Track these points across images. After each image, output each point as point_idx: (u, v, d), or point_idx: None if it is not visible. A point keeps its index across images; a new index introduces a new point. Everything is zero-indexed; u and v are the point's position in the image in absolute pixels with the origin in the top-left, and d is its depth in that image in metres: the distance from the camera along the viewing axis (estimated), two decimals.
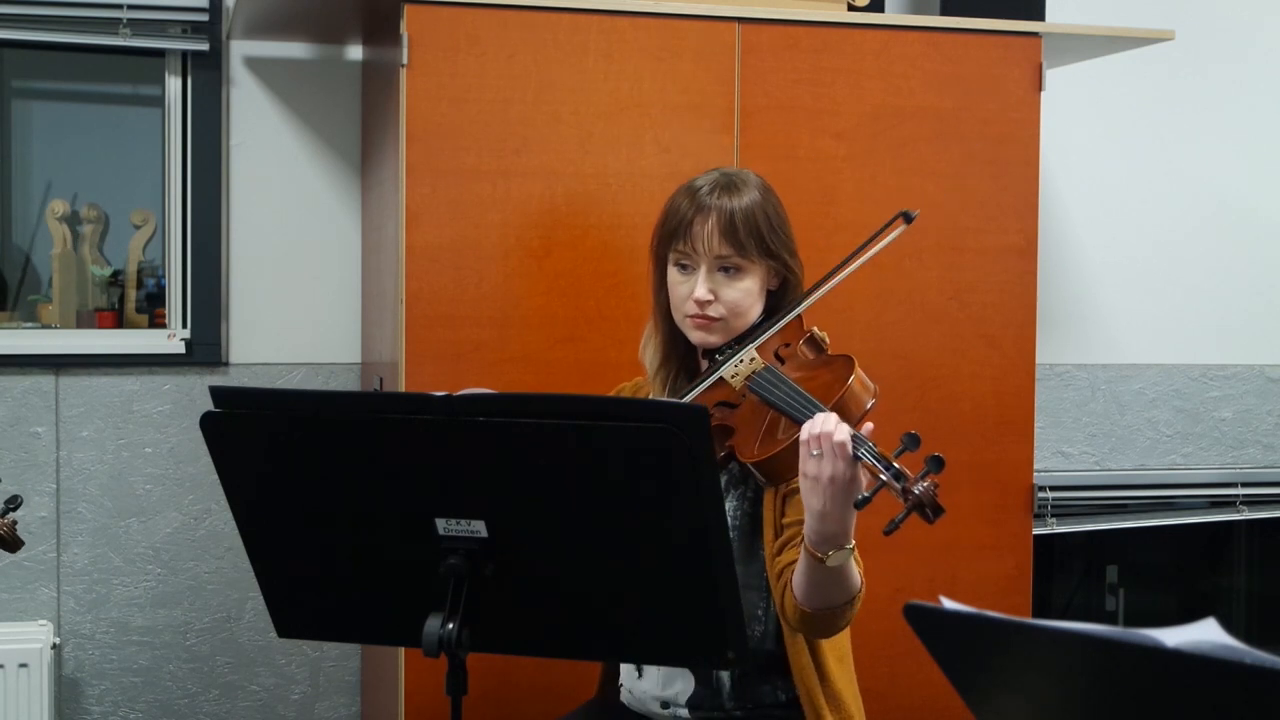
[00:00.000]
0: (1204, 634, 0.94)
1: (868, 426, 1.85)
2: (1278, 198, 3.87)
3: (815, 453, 1.81)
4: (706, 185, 2.12)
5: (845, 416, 1.87)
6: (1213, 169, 3.82)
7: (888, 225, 2.15)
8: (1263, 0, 3.85)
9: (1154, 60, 3.58)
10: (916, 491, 1.75)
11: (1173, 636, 0.94)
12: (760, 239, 2.10)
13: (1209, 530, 3.92)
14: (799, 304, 2.12)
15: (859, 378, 1.95)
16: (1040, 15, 3.19)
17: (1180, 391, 3.82)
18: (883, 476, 1.78)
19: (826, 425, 1.82)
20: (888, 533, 1.74)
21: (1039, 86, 2.99)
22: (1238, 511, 3.82)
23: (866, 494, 1.80)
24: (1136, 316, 3.78)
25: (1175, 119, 3.79)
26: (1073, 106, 3.62)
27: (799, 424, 1.88)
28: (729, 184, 2.12)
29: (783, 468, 1.93)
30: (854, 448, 1.80)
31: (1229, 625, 0.94)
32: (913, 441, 1.78)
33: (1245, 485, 3.81)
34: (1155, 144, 3.78)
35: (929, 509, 1.75)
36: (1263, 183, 3.85)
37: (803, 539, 1.91)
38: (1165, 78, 3.74)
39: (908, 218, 2.14)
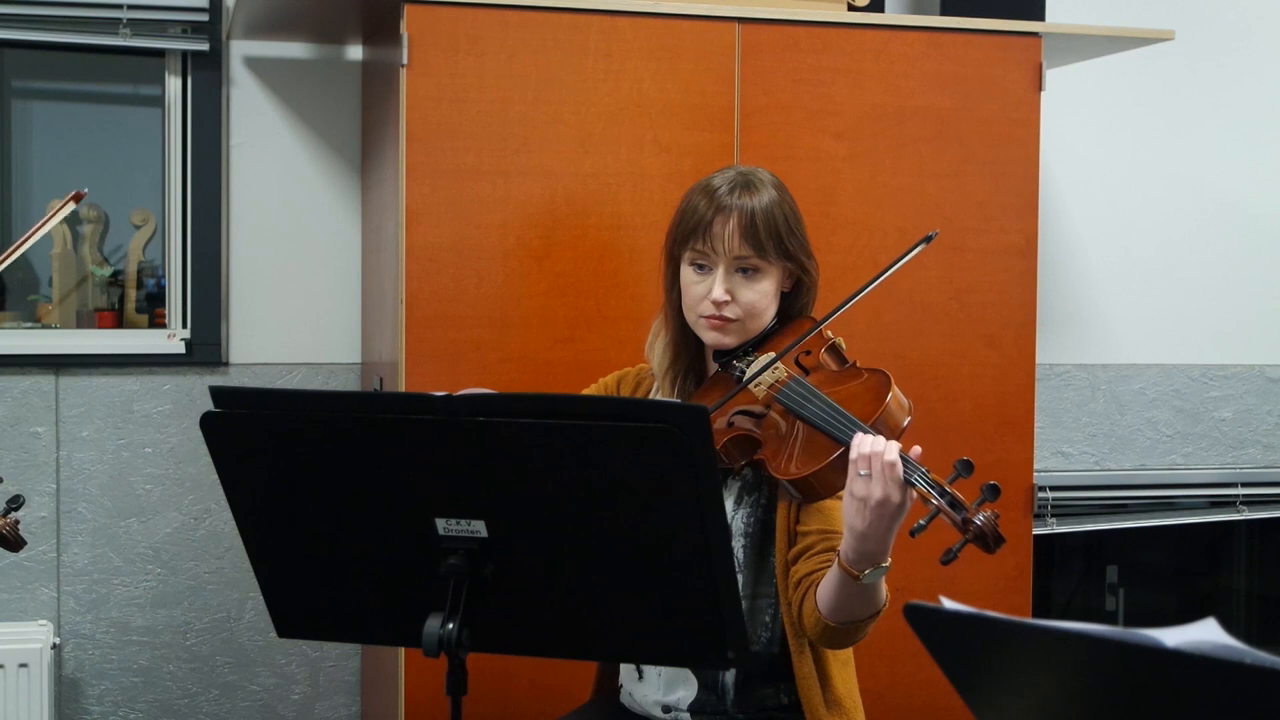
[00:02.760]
0: (1204, 634, 0.94)
1: (916, 450, 1.81)
2: (1278, 197, 3.87)
3: (864, 473, 1.78)
4: (725, 185, 2.10)
5: (883, 434, 1.84)
6: (1213, 169, 3.82)
7: (911, 248, 2.06)
8: (1262, 0, 3.85)
9: (1154, 60, 3.58)
10: (978, 522, 1.72)
11: (1173, 636, 0.94)
12: (779, 240, 2.08)
13: (1209, 530, 3.92)
14: (824, 320, 2.06)
15: (896, 395, 1.91)
16: (1040, 15, 3.19)
17: (1180, 391, 3.82)
18: (934, 502, 1.74)
19: (876, 445, 1.78)
20: (945, 563, 1.71)
21: (1039, 86, 2.99)
22: (1238, 511, 3.82)
23: (922, 522, 1.76)
24: (1136, 316, 3.78)
25: (1175, 119, 3.79)
26: (1073, 106, 3.62)
27: (839, 442, 1.85)
28: (747, 183, 2.10)
29: (821, 486, 1.89)
30: (906, 473, 1.77)
31: (1229, 625, 0.94)
32: (966, 468, 1.75)
33: (1245, 485, 3.81)
34: (1155, 144, 3.78)
35: (990, 539, 1.72)
36: (1263, 183, 3.86)
37: (830, 550, 1.89)
38: (1165, 78, 3.74)
39: (928, 239, 2.07)
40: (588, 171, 2.78)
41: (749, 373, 2.05)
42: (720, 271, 2.08)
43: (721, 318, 2.08)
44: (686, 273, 2.12)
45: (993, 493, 1.72)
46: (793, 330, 2.10)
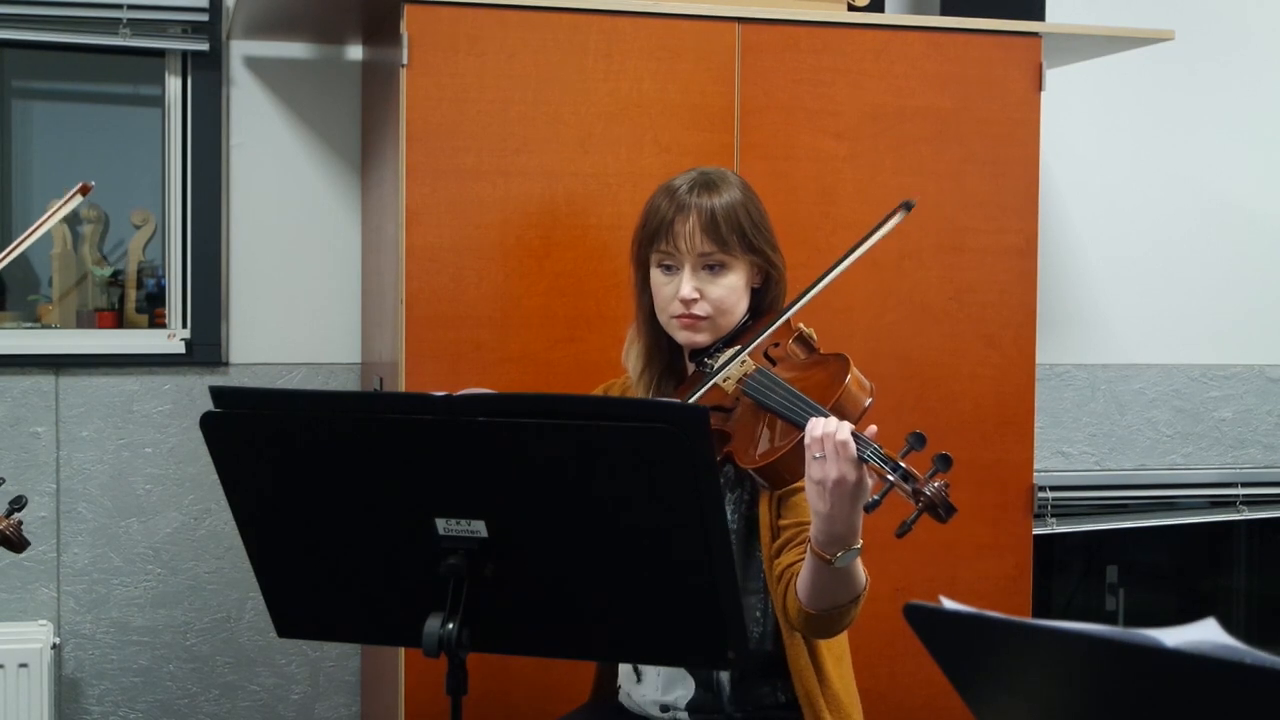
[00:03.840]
0: (1204, 634, 0.94)
1: (871, 429, 1.84)
2: (1277, 197, 3.87)
3: (818, 455, 1.80)
4: (685, 184, 2.12)
5: (844, 416, 1.86)
6: (1213, 168, 3.82)
7: (889, 216, 2.11)
8: (1262, 1, 3.85)
9: (1154, 60, 3.58)
10: (928, 492, 1.74)
11: (1173, 636, 0.94)
12: (743, 234, 2.10)
13: (1209, 530, 3.92)
14: (801, 298, 2.08)
15: (855, 377, 1.94)
16: (1040, 15, 3.19)
17: (1180, 391, 3.82)
18: (890, 478, 1.77)
19: (829, 427, 1.80)
20: (900, 535, 1.73)
21: (1039, 86, 2.99)
22: (1238, 511, 3.82)
23: (876, 497, 1.79)
24: (1136, 316, 3.78)
25: (1175, 119, 3.79)
26: (1073, 106, 3.62)
27: (798, 427, 1.87)
28: (708, 182, 2.12)
29: (785, 472, 1.91)
30: (859, 450, 1.79)
31: (1229, 625, 0.94)
32: (918, 441, 1.77)
33: (1245, 485, 3.81)
34: (1155, 144, 3.78)
35: (941, 509, 1.74)
36: (1263, 182, 3.86)
37: (807, 541, 1.90)
38: (1165, 78, 3.74)
39: (908, 206, 2.11)
40: (588, 171, 2.78)
41: (715, 368, 2.07)
42: (687, 270, 2.10)
43: (692, 316, 2.10)
44: (655, 275, 2.14)
45: (944, 463, 1.75)
46: (764, 325, 2.11)
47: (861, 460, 1.79)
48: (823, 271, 2.09)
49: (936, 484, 1.75)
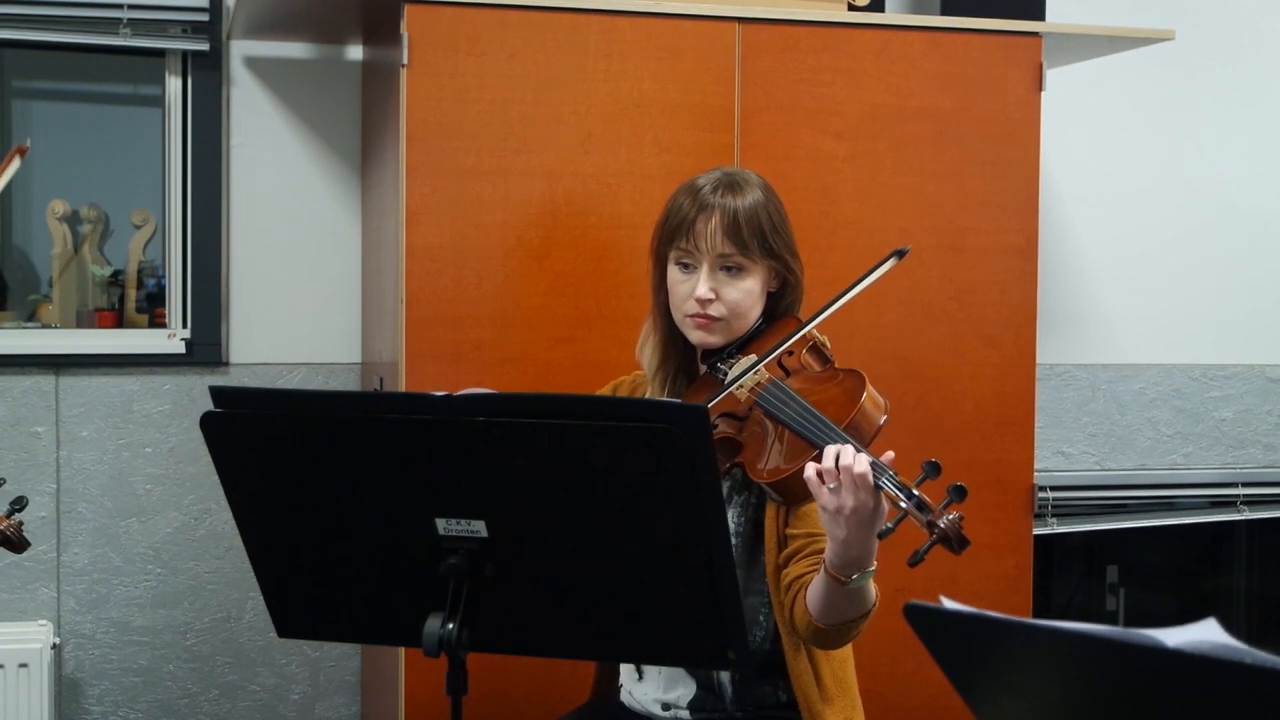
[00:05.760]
0: (1204, 634, 0.94)
1: (889, 455, 1.82)
2: (1277, 197, 3.87)
3: (832, 486, 1.79)
4: (709, 184, 2.11)
5: (858, 436, 1.85)
6: (1213, 169, 3.82)
7: (881, 262, 2.10)
8: (1263, 0, 3.85)
9: (1154, 60, 3.58)
10: (942, 524, 1.73)
11: (1173, 636, 0.94)
12: (763, 238, 2.09)
13: (1209, 530, 3.92)
14: (798, 331, 2.08)
15: (870, 396, 1.93)
16: (1040, 15, 3.19)
17: (1180, 391, 3.82)
18: (904, 505, 1.76)
19: (844, 459, 1.79)
20: (912, 565, 1.72)
21: (1039, 86, 2.99)
22: (1238, 511, 3.82)
23: (889, 525, 1.78)
24: (1136, 316, 3.78)
25: (1175, 119, 3.79)
26: (1073, 106, 3.62)
27: (812, 445, 1.86)
28: (732, 183, 2.11)
29: (799, 488, 1.90)
30: (875, 477, 1.78)
31: (1229, 625, 0.94)
32: (933, 470, 1.76)
33: (1245, 485, 3.81)
34: (1155, 144, 3.78)
35: (955, 541, 1.73)
36: (1263, 183, 3.85)
37: (817, 553, 1.90)
38: (1165, 78, 3.74)
39: (900, 254, 2.10)
40: (588, 171, 2.78)
41: (731, 376, 2.06)
42: (704, 270, 2.09)
43: (706, 316, 2.09)
44: (672, 272, 2.13)
45: (959, 494, 1.74)
46: (778, 330, 2.11)
47: (876, 487, 1.78)
48: (822, 306, 2.08)
49: (951, 516, 1.73)
